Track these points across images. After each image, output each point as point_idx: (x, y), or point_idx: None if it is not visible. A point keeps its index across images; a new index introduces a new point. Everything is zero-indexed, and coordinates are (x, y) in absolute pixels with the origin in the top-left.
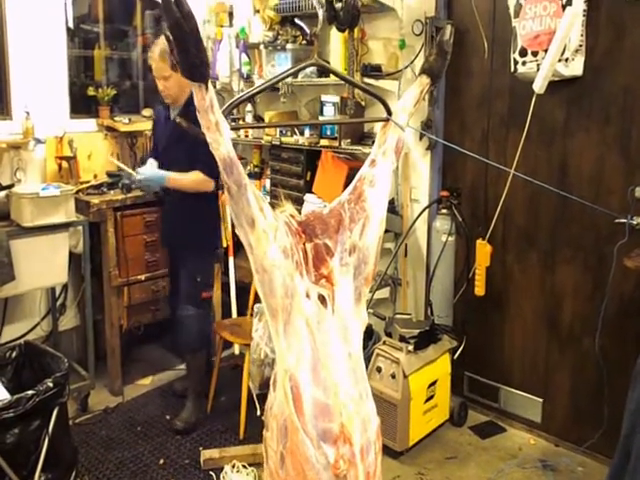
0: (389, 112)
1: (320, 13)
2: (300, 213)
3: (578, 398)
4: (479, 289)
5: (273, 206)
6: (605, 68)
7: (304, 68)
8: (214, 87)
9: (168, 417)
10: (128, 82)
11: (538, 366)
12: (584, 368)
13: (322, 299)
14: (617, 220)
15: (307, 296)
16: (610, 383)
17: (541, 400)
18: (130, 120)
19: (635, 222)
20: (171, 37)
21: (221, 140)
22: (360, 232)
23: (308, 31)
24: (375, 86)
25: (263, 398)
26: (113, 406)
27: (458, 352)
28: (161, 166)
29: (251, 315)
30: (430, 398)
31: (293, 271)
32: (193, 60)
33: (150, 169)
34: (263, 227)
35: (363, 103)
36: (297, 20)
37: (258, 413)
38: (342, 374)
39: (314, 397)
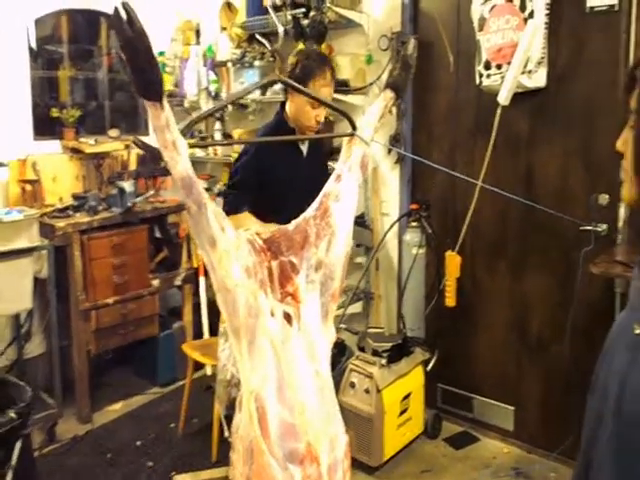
0: (354, 127)
1: (280, 30)
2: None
3: (549, 405)
4: (450, 300)
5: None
6: (567, 79)
7: (265, 85)
8: (182, 106)
9: (139, 443)
10: (94, 102)
11: (509, 374)
12: (554, 375)
13: (288, 317)
14: (582, 227)
15: (272, 315)
16: (579, 388)
17: (513, 408)
18: (96, 141)
19: (600, 229)
20: (124, 56)
21: (179, 158)
22: (326, 248)
23: (269, 47)
24: (343, 101)
25: (231, 419)
26: (82, 434)
27: (431, 364)
28: None
29: None
30: (404, 411)
31: (257, 290)
32: (148, 78)
33: None
34: (224, 246)
35: (332, 118)
36: (258, 36)
37: (226, 434)
38: (309, 393)
39: (280, 417)
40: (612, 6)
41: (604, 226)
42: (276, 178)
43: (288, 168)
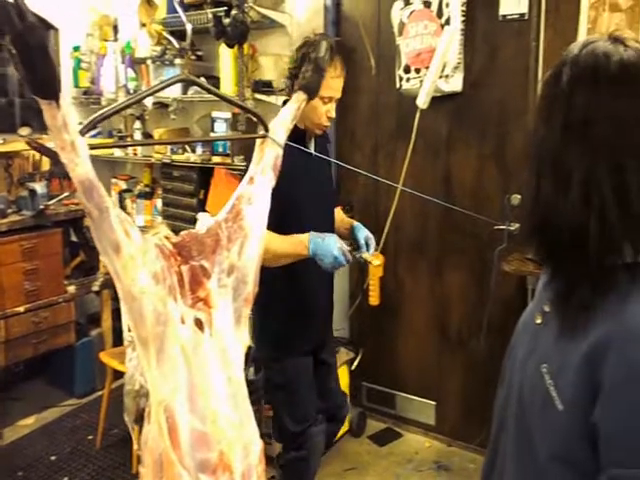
0: (266, 129)
1: (189, 28)
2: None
3: (468, 398)
4: (373, 299)
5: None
6: (482, 84)
7: (172, 84)
8: (99, 103)
9: (54, 458)
10: (3, 99)
11: (431, 370)
12: (472, 369)
13: (199, 323)
14: (496, 227)
15: (182, 321)
16: (495, 381)
17: (434, 403)
18: (5, 140)
19: (512, 228)
20: (14, 51)
21: (78, 161)
22: (239, 251)
23: (177, 45)
24: (267, 102)
25: (140, 431)
26: None
27: (355, 363)
28: (322, 224)
29: None
30: None
31: (165, 296)
32: (42, 76)
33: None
34: (130, 252)
35: (255, 119)
36: (165, 34)
37: (135, 447)
38: (221, 400)
39: (191, 427)
40: (522, 15)
41: (516, 225)
42: (297, 186)
43: (303, 172)
